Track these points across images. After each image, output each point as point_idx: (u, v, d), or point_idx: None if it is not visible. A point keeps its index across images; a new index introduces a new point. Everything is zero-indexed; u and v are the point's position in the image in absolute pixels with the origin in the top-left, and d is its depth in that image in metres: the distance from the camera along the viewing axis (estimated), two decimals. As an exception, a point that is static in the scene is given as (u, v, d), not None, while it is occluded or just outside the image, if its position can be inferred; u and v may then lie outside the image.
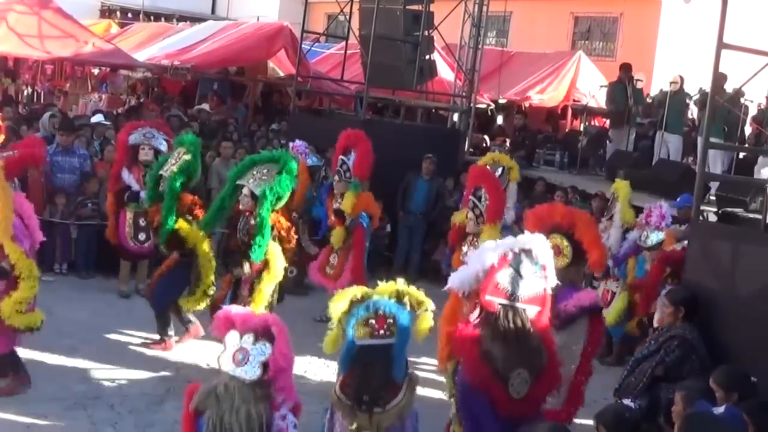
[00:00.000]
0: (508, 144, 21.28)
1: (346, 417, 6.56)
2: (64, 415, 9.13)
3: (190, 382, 10.08)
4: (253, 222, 10.02)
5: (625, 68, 19.72)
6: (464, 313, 7.48)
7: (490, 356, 7.00)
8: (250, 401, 5.66)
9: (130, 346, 11.34)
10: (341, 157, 12.88)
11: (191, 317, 11.50)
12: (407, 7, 19.15)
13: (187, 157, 11.00)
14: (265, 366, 5.67)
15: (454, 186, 16.57)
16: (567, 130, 23.91)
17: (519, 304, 6.98)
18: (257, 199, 9.93)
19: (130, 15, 35.69)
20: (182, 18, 33.56)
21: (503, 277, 6.97)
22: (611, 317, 12.09)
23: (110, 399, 9.64)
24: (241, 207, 10.18)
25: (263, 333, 5.73)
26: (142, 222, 12.85)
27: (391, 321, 6.37)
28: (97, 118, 17.47)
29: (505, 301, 6.97)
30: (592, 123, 23.33)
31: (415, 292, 6.60)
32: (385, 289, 6.54)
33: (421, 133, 19.20)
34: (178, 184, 10.82)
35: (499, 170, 13.90)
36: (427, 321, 6.60)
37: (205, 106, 21.60)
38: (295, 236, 10.66)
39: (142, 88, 26.39)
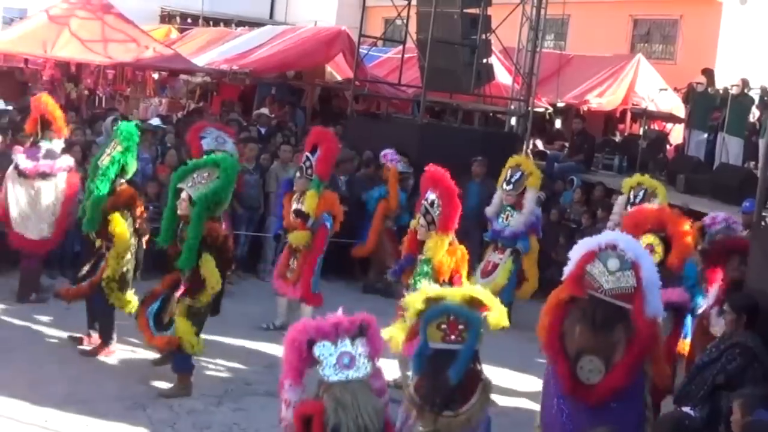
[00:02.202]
0: (567, 148, 21.20)
1: (418, 418, 6.59)
2: (123, 414, 9.22)
3: (248, 384, 10.26)
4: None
5: (709, 73, 19.61)
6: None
7: (565, 335, 7.43)
8: (371, 397, 5.80)
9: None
10: (306, 153, 12.40)
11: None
12: (465, 10, 19.15)
13: (119, 148, 10.77)
14: (369, 358, 5.83)
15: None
16: (626, 133, 23.75)
17: (606, 298, 7.28)
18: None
19: (189, 20, 35.90)
20: (241, 23, 33.71)
21: (593, 269, 7.35)
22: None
23: (169, 400, 9.70)
24: (179, 212, 9.83)
25: (357, 331, 5.87)
26: None
27: (463, 327, 6.36)
28: (155, 122, 17.61)
29: (592, 292, 7.31)
30: (652, 127, 23.15)
31: (489, 297, 6.63)
32: (460, 292, 6.59)
33: (478, 137, 19.15)
34: (112, 173, 10.64)
35: (518, 174, 13.76)
36: (500, 320, 6.63)
37: (265, 111, 21.71)
38: (231, 246, 10.40)
39: (200, 92, 26.53)
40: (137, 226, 10.94)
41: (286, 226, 12.53)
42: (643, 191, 12.21)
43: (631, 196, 12.28)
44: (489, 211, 13.98)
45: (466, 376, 6.38)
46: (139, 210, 10.94)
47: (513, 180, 13.70)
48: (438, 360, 6.39)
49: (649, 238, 9.29)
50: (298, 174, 12.42)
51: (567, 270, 7.63)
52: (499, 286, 13.31)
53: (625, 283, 7.33)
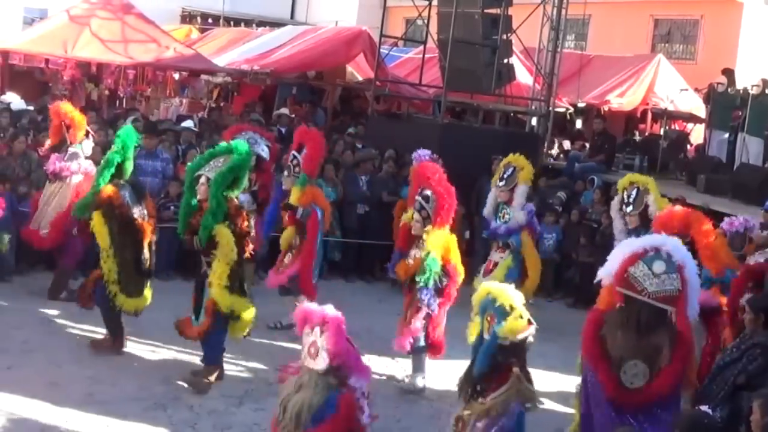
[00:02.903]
0: (587, 148, 21.14)
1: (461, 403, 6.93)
2: (144, 415, 9.24)
3: (269, 385, 10.27)
4: None
5: (730, 73, 19.56)
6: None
7: (605, 340, 7.45)
8: (317, 389, 6.08)
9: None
10: (293, 152, 12.41)
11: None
12: (485, 10, 19.11)
13: (114, 150, 10.90)
14: (328, 354, 6.06)
15: (533, 190, 16.30)
16: (647, 133, 23.68)
17: (649, 300, 7.27)
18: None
19: (210, 20, 35.93)
20: (262, 23, 33.73)
21: (636, 271, 7.35)
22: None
23: (189, 400, 9.73)
24: (199, 196, 9.99)
25: (322, 324, 6.11)
26: None
27: (496, 321, 6.63)
28: (188, 124, 17.64)
29: (633, 294, 7.31)
30: (673, 127, 23.08)
31: (518, 308, 6.74)
32: (507, 294, 6.74)
33: (499, 137, 19.13)
34: (108, 173, 10.77)
35: (510, 170, 13.73)
36: (515, 325, 6.69)
37: (285, 111, 21.72)
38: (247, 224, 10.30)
39: (218, 92, 26.54)
40: (138, 225, 10.93)
41: (284, 226, 12.69)
42: (635, 189, 11.98)
43: (625, 196, 12.16)
44: (486, 211, 13.99)
45: (495, 369, 6.61)
46: (118, 209, 10.79)
47: (505, 176, 13.67)
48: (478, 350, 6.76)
49: None
50: (285, 173, 12.52)
51: (605, 272, 7.72)
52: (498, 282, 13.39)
53: (670, 286, 7.33)
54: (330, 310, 6.22)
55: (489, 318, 6.68)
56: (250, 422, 9.37)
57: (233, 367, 10.82)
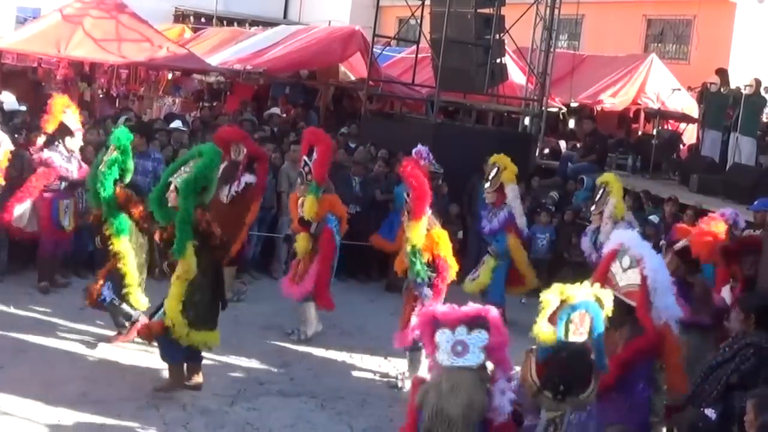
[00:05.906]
0: (579, 148, 21.15)
1: (546, 408, 6.80)
2: (137, 414, 9.24)
3: (261, 384, 10.26)
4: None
5: (723, 73, 19.60)
6: None
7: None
8: (473, 388, 6.11)
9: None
10: (304, 158, 12.06)
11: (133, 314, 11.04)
12: (478, 10, 19.11)
13: (116, 153, 10.71)
14: (485, 350, 6.15)
15: (526, 189, 16.32)
16: (639, 133, 23.70)
17: (618, 295, 7.31)
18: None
19: (203, 20, 35.94)
20: (255, 22, 33.73)
21: (613, 267, 7.58)
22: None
23: (182, 399, 9.72)
24: (169, 203, 9.61)
25: (475, 322, 6.19)
26: None
27: (588, 320, 6.68)
28: (176, 124, 17.62)
29: (611, 290, 7.30)
30: (666, 127, 23.10)
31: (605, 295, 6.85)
32: (584, 289, 6.81)
33: (492, 137, 19.14)
34: (113, 176, 10.64)
35: (494, 171, 13.77)
36: None
37: (276, 110, 21.70)
38: (218, 233, 9.70)
39: (206, 93, 26.50)
40: (139, 227, 10.87)
41: (294, 230, 12.53)
42: (602, 189, 13.05)
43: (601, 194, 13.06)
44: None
45: (587, 367, 6.71)
46: (137, 211, 10.68)
47: (491, 177, 13.75)
48: (562, 352, 6.73)
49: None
50: (299, 180, 12.29)
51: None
52: (482, 284, 13.47)
53: (634, 281, 7.42)
54: (484, 308, 6.34)
55: (582, 318, 6.66)
56: (243, 422, 9.37)
57: (225, 366, 10.82)
